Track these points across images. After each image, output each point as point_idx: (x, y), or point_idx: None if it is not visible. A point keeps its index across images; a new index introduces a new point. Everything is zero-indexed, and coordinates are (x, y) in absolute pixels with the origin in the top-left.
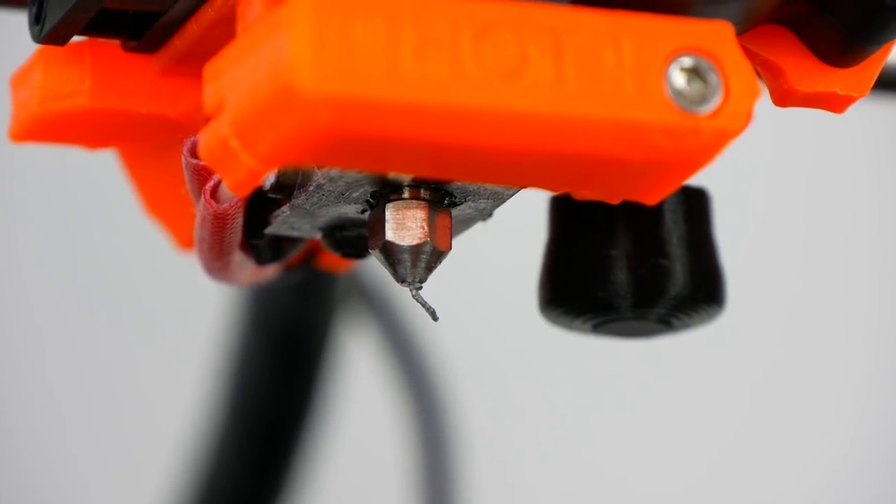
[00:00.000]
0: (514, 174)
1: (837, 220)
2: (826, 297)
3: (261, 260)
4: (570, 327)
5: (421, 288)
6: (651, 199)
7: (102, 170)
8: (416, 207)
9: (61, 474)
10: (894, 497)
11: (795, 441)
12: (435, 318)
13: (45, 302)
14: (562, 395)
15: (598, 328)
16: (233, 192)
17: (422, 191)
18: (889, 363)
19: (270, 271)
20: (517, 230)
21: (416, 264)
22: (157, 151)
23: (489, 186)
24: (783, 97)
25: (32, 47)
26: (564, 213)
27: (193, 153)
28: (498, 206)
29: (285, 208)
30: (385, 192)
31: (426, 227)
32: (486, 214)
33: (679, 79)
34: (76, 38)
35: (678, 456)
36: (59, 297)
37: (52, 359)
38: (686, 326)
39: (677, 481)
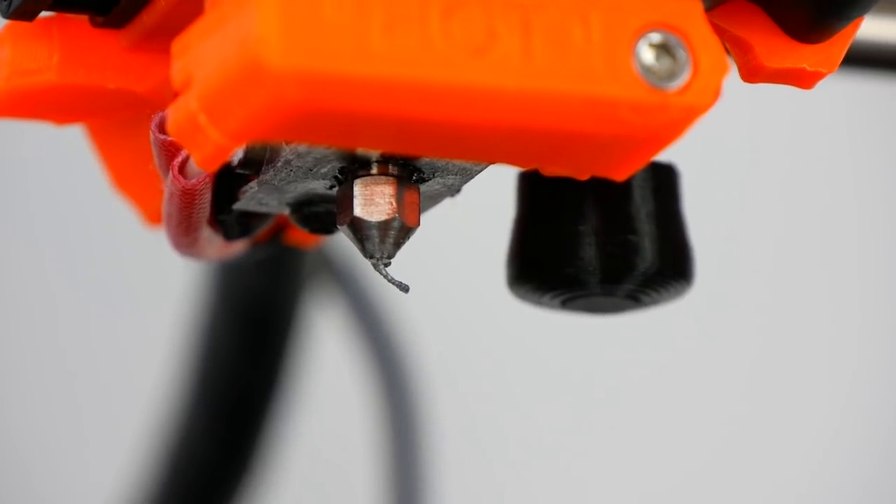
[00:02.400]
0: (482, 150)
1: (807, 195)
2: (800, 275)
3: (229, 235)
4: (538, 303)
5: (389, 264)
6: (620, 175)
7: (67, 146)
8: (384, 183)
9: (27, 450)
10: (880, 488)
11: (782, 432)
12: (405, 291)
13: (12, 280)
14: (530, 369)
15: (566, 304)
16: (201, 168)
17: (390, 167)
18: (869, 344)
19: (238, 247)
20: (485, 206)
21: (385, 240)
22: (125, 127)
23: (457, 162)
24: (752, 73)
25: (0, 23)
26: (533, 189)
27: (162, 129)
28: (466, 181)
29: (253, 184)
30: (353, 167)
31: (394, 203)
32: (454, 190)
33: (648, 55)
34: (44, 14)
35: (651, 445)
36: (25, 276)
37: (19, 336)
38: (655, 302)
39: (651, 471)
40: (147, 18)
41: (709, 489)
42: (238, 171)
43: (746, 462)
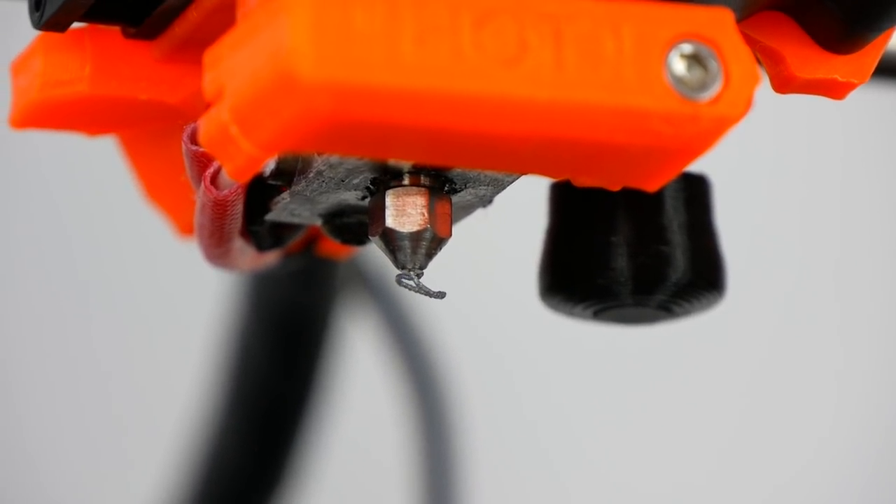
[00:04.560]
0: (514, 161)
1: (839, 207)
2: (826, 286)
3: (261, 246)
4: (570, 314)
5: (421, 275)
6: (651, 186)
7: (100, 157)
8: (416, 194)
9: (61, 461)
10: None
11: (800, 434)
12: (441, 297)
13: (46, 290)
14: (560, 380)
15: (598, 315)
16: (233, 179)
17: (422, 177)
18: (887, 354)
19: (271, 258)
20: (517, 217)
21: (417, 251)
22: (157, 138)
23: (489, 173)
24: (783, 84)
25: (33, 34)
26: (565, 200)
27: (193, 140)
28: (498, 192)
29: (285, 195)
30: (385, 178)
31: (426, 214)
32: (486, 201)
33: (679, 65)
34: (76, 25)
35: (676, 447)
36: (59, 286)
37: (52, 346)
38: (686, 313)
39: (675, 472)
40: (179, 29)
41: (731, 490)
42: (270, 181)
43: (765, 464)
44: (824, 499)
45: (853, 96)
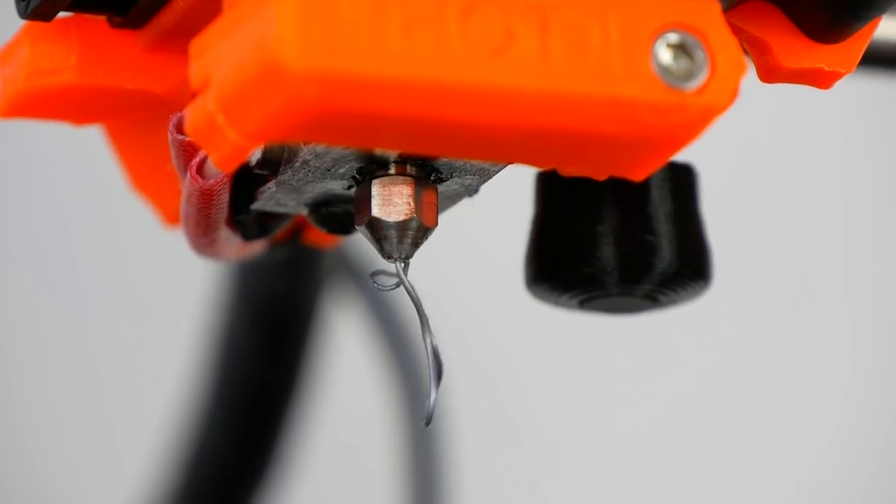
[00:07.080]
0: (500, 150)
1: (828, 196)
2: (829, 285)
3: (247, 236)
4: (556, 303)
5: (407, 264)
6: (638, 176)
7: (86, 148)
8: (402, 183)
9: (48, 450)
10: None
11: (798, 439)
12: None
13: (31, 279)
14: (548, 368)
15: (584, 304)
16: (219, 168)
17: (408, 167)
18: (887, 349)
19: (257, 247)
20: (503, 206)
21: (403, 240)
22: (144, 128)
23: (475, 162)
24: (770, 73)
25: (19, 23)
26: (551, 190)
27: (179, 129)
28: (484, 181)
29: (271, 184)
30: (371, 168)
31: (412, 203)
32: (472, 190)
33: (665, 55)
34: (62, 14)
35: (666, 448)
36: (44, 275)
37: (36, 337)
38: (673, 303)
39: (664, 473)
40: (165, 19)
41: (727, 494)
42: (256, 171)
43: (760, 471)
44: None
45: (854, 88)
